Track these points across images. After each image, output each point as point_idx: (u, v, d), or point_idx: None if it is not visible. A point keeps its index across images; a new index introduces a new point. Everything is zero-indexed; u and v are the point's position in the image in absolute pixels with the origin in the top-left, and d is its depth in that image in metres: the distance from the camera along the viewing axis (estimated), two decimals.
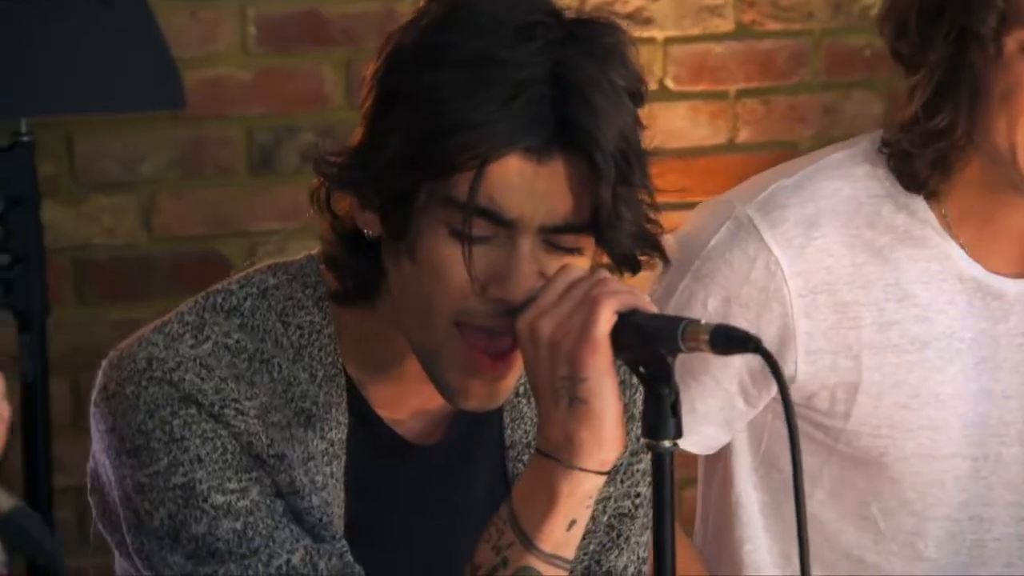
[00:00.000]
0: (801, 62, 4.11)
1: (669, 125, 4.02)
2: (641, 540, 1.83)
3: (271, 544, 1.64)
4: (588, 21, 1.61)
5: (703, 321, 1.44)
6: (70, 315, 3.64)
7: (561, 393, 1.48)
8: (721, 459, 2.14)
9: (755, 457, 2.11)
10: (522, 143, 1.48)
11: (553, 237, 1.52)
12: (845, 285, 1.97)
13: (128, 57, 3.41)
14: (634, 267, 1.62)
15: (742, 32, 4.16)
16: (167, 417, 1.62)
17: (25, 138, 3.46)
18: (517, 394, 1.73)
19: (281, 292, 1.69)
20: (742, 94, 4.11)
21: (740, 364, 1.96)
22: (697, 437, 1.98)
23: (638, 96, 1.58)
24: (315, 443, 1.67)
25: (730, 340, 1.44)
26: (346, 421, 1.67)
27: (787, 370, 1.92)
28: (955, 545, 2.01)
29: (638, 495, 1.81)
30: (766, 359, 1.40)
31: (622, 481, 1.80)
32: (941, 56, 1.85)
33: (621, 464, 1.75)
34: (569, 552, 1.57)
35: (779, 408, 1.79)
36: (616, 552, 1.83)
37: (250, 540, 1.65)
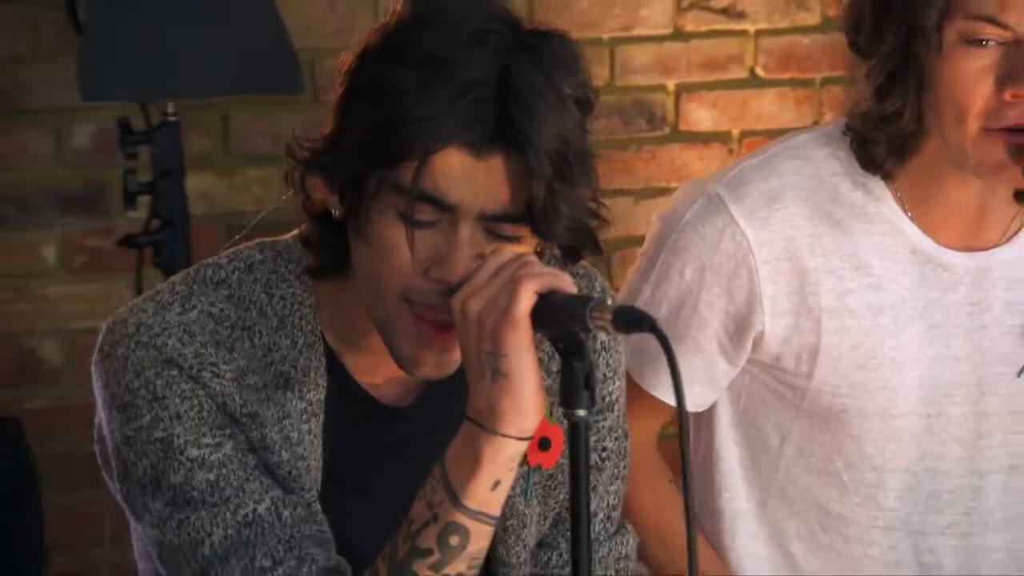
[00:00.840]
0: None
1: (759, 110, 4.18)
2: (610, 489, 1.87)
3: (240, 494, 1.68)
4: (540, 32, 1.62)
5: (609, 302, 1.45)
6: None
7: (485, 366, 1.50)
8: (704, 416, 2.15)
9: (734, 414, 2.13)
10: (463, 137, 1.52)
11: (492, 225, 1.54)
12: (806, 254, 1.98)
13: (253, 47, 3.55)
14: (575, 257, 1.68)
15: (827, 25, 4.24)
16: (151, 378, 1.66)
17: (172, 118, 3.60)
18: None
19: (266, 266, 1.71)
20: (826, 82, 4.21)
21: (718, 326, 2.01)
22: (687, 396, 1.86)
23: (585, 103, 1.60)
24: (293, 403, 1.70)
25: (629, 320, 1.47)
26: (324, 384, 1.69)
27: (756, 329, 2.00)
28: (913, 496, 2.03)
29: (604, 449, 1.85)
30: (659, 338, 1.44)
31: (596, 433, 1.83)
32: (891, 47, 1.86)
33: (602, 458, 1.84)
34: (494, 510, 1.60)
35: (755, 371, 2.06)
36: (600, 496, 1.88)
37: (221, 490, 1.68)
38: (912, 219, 1.92)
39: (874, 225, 1.95)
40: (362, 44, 1.59)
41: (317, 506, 1.68)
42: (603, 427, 1.82)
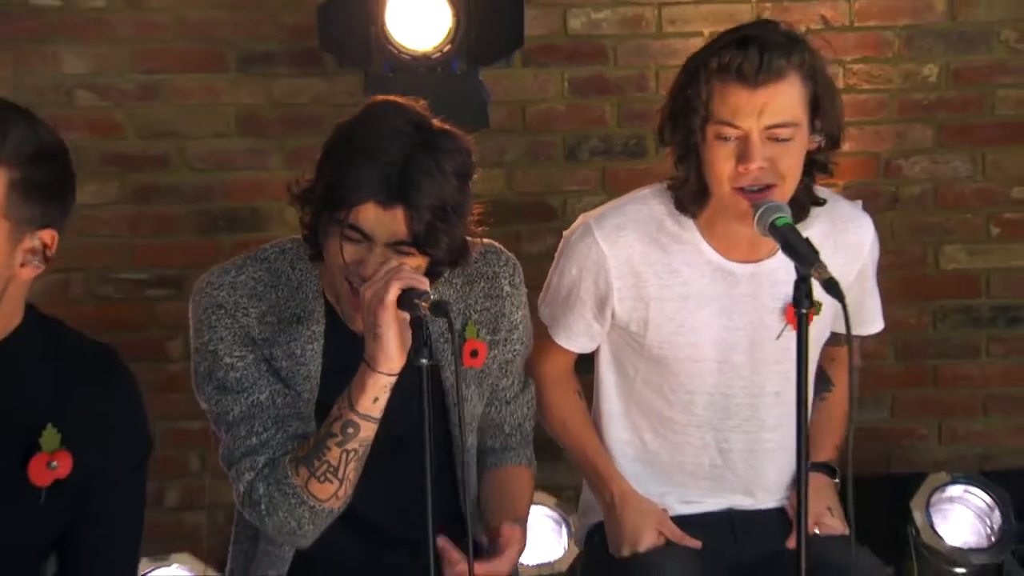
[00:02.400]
0: None
1: None
2: (520, 370, 2.57)
3: (252, 387, 2.33)
4: (439, 131, 2.23)
5: (432, 297, 2.06)
6: None
7: (369, 330, 2.11)
8: (593, 356, 2.73)
9: (609, 356, 2.70)
10: (376, 197, 2.12)
11: (395, 247, 2.15)
12: (639, 263, 2.54)
13: (461, 100, 3.74)
14: (455, 266, 2.31)
15: None
16: (207, 315, 2.32)
17: None
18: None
19: (291, 252, 2.36)
20: None
21: (591, 304, 2.60)
22: (576, 343, 2.66)
23: (464, 175, 2.23)
24: (302, 332, 2.35)
25: (436, 308, 2.03)
26: (324, 322, 2.35)
27: (611, 307, 2.58)
28: (713, 408, 2.57)
29: (515, 349, 2.51)
30: (441, 312, 2.03)
31: (503, 346, 2.51)
32: (679, 141, 2.41)
33: (501, 337, 2.50)
34: (376, 413, 2.18)
35: (617, 331, 2.64)
36: (505, 380, 2.53)
37: (241, 383, 2.32)
38: (710, 243, 2.47)
39: (685, 246, 2.52)
40: (334, 129, 2.29)
41: (307, 397, 2.33)
42: (513, 338, 2.50)
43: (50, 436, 2.07)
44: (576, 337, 2.66)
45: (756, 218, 2.24)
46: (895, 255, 4.24)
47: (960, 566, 3.65)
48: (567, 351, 2.68)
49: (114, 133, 4.18)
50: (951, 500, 3.82)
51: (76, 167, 4.09)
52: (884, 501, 3.96)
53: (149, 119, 4.22)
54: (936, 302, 4.26)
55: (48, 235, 2.06)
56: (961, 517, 3.76)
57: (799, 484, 2.11)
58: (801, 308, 2.07)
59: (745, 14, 4.06)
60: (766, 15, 4.08)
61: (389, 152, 2.15)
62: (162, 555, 3.64)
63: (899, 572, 3.91)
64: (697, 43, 3.81)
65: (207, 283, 2.36)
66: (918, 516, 3.75)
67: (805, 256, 2.07)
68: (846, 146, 3.93)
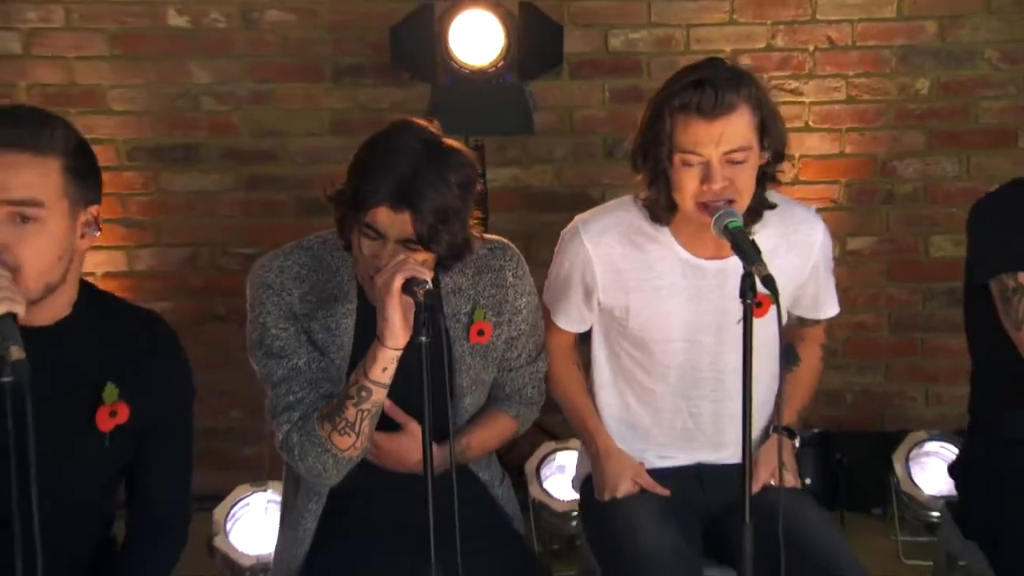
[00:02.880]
0: None
1: None
2: (527, 345, 2.61)
3: (292, 354, 2.45)
4: (444, 147, 2.33)
5: (428, 286, 2.15)
6: (512, 221, 4.33)
7: (379, 313, 2.21)
8: (588, 335, 2.80)
9: (600, 334, 2.78)
10: (388, 202, 2.23)
11: (404, 243, 2.24)
12: (619, 261, 2.63)
13: (511, 108, 3.91)
14: (458, 259, 2.37)
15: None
16: (258, 292, 2.43)
17: (472, 146, 3.83)
18: (442, 290, 2.51)
19: (331, 242, 2.45)
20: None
21: (581, 292, 2.71)
22: (571, 325, 2.74)
23: (467, 185, 2.33)
24: (338, 308, 2.45)
25: (428, 295, 2.12)
26: (356, 301, 2.43)
27: (596, 297, 2.67)
28: (684, 380, 2.64)
29: (520, 329, 2.56)
30: (432, 299, 2.12)
31: (507, 326, 2.57)
32: (650, 167, 2.50)
33: (505, 319, 2.56)
34: (385, 380, 2.31)
35: (604, 315, 2.71)
36: (511, 353, 2.58)
37: (283, 349, 2.45)
38: (681, 244, 2.55)
39: (660, 246, 2.60)
40: (361, 143, 2.37)
41: (340, 363, 2.44)
42: (517, 320, 2.56)
43: (110, 391, 2.20)
44: (570, 319, 2.77)
45: (712, 222, 2.36)
46: (891, 243, 4.42)
47: (934, 511, 3.73)
48: (566, 331, 2.81)
49: (231, 132, 4.39)
50: (928, 454, 3.92)
51: (201, 160, 4.43)
52: (876, 454, 4.11)
53: (259, 121, 4.40)
54: (925, 284, 4.36)
55: (95, 209, 2.19)
56: (937, 469, 3.84)
57: (744, 446, 2.21)
58: (746, 299, 2.16)
59: (761, 35, 4.24)
60: (779, 37, 4.24)
61: (400, 165, 2.27)
62: (260, 481, 3.78)
63: (885, 515, 3.99)
64: None
65: (260, 266, 2.51)
66: (899, 468, 3.89)
67: (749, 255, 2.19)
68: (848, 147, 4.20)
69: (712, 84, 2.38)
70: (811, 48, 4.22)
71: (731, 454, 2.68)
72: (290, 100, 4.40)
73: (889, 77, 4.18)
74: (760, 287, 2.32)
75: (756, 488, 2.51)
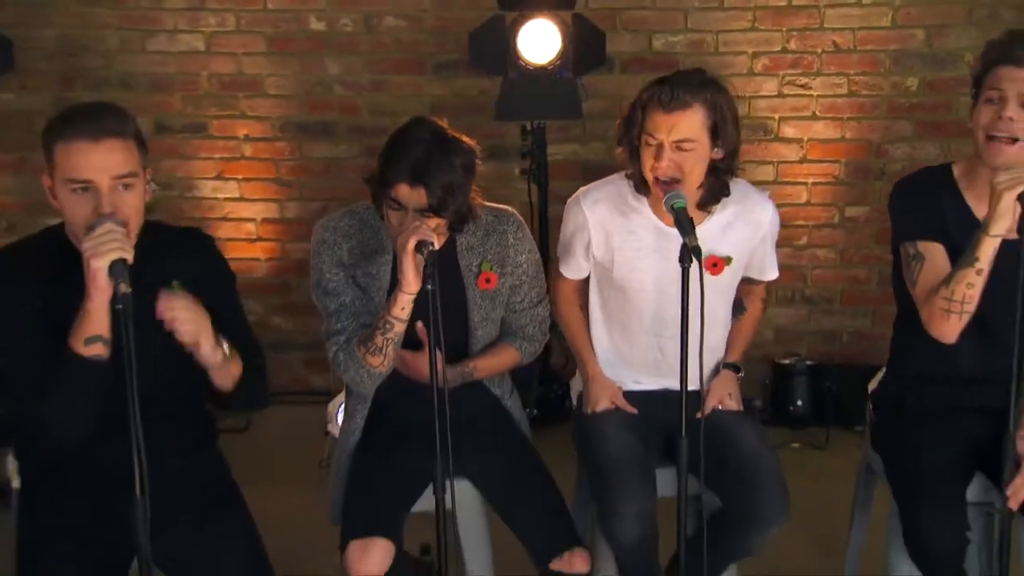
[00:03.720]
0: None
1: None
2: (531, 294, 2.67)
3: (341, 293, 2.56)
4: (450, 138, 2.41)
5: (432, 248, 2.21)
6: (572, 188, 4.31)
7: (399, 266, 2.31)
8: (587, 280, 2.82)
9: (595, 281, 2.80)
10: (406, 180, 2.34)
11: (421, 212, 2.33)
12: (607, 225, 2.66)
13: (564, 98, 3.97)
14: (464, 223, 2.46)
15: None
16: (317, 246, 2.55)
17: (534, 127, 4.15)
18: (455, 245, 2.57)
19: (375, 209, 2.48)
20: None
21: (580, 248, 2.73)
22: (574, 273, 2.78)
23: (469, 167, 2.41)
24: (377, 259, 2.54)
25: (430, 255, 2.20)
26: (391, 253, 2.49)
27: (591, 252, 2.69)
28: (655, 321, 2.68)
29: (521, 279, 2.63)
30: (432, 258, 2.19)
31: (510, 276, 2.63)
32: (628, 145, 2.56)
33: (508, 271, 2.61)
34: (404, 316, 2.38)
35: (597, 266, 2.73)
36: (515, 297, 2.65)
37: (335, 290, 2.55)
38: (655, 215, 2.60)
39: (639, 215, 2.65)
40: (389, 136, 2.48)
41: (378, 300, 2.52)
42: (520, 272, 2.64)
43: (176, 286, 2.27)
44: (572, 269, 2.81)
45: (664, 201, 2.38)
46: (881, 212, 4.12)
47: None
48: (569, 279, 2.86)
49: (356, 113, 4.57)
50: None
51: (333, 134, 4.70)
52: (860, 383, 3.85)
53: (377, 104, 4.56)
54: None
55: (150, 171, 2.33)
56: None
57: (680, 380, 2.26)
58: (683, 263, 2.19)
59: (777, 40, 4.31)
60: (792, 42, 4.30)
61: (416, 151, 2.39)
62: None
63: (864, 431, 3.94)
64: (742, 60, 4.23)
65: (320, 226, 2.62)
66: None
67: (686, 230, 2.22)
68: (848, 133, 4.34)
69: (672, 84, 2.45)
70: (819, 51, 4.28)
71: (690, 384, 2.70)
72: (400, 88, 4.55)
73: (884, 76, 4.24)
74: (720, 253, 2.59)
75: (707, 411, 2.68)
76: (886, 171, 4.31)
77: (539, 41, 3.84)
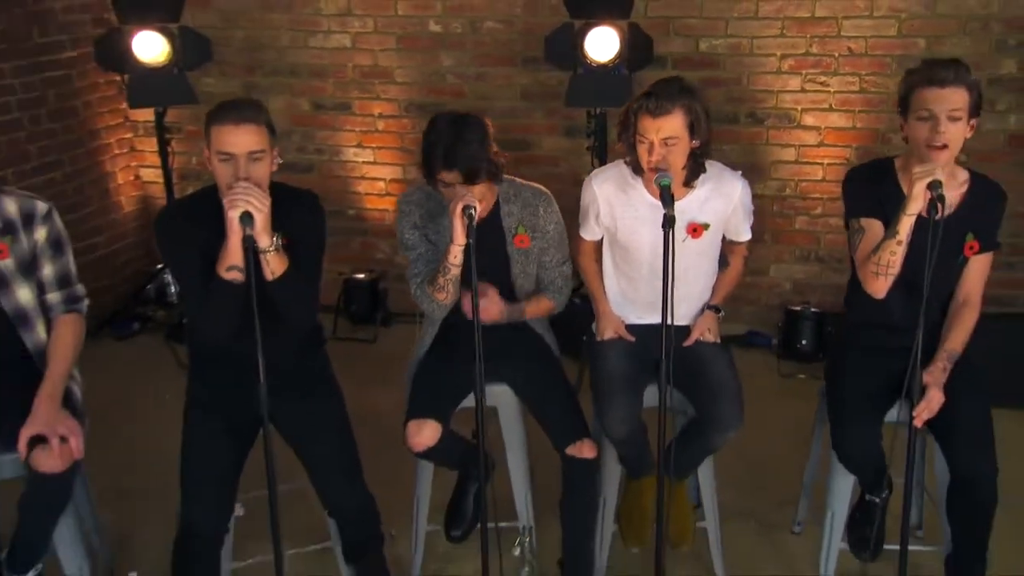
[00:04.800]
0: None
1: None
2: (556, 255, 2.72)
3: (416, 247, 2.66)
4: (462, 117, 2.47)
5: (472, 211, 2.29)
6: None
7: (451, 225, 2.38)
8: (600, 242, 2.86)
9: (607, 241, 2.84)
10: (443, 167, 2.43)
11: (462, 184, 2.42)
12: (613, 199, 2.71)
13: (618, 90, 3.84)
14: (497, 179, 2.52)
15: None
16: (398, 214, 2.66)
17: (597, 113, 4.10)
18: (499, 211, 2.65)
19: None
20: None
21: (593, 216, 2.77)
22: (590, 236, 2.82)
23: (483, 136, 2.46)
24: (443, 220, 2.60)
25: (470, 217, 2.30)
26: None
27: (600, 220, 2.73)
28: (651, 271, 2.66)
29: (547, 242, 2.69)
30: (471, 219, 2.29)
31: (540, 240, 2.69)
32: (626, 141, 2.58)
33: (538, 235, 2.66)
34: (457, 263, 2.46)
35: (606, 230, 2.76)
36: (545, 257, 2.70)
37: (412, 245, 2.65)
38: (648, 192, 2.62)
39: (637, 193, 2.68)
40: (424, 133, 2.51)
41: (443, 251, 2.52)
42: (547, 238, 2.69)
43: (279, 236, 2.35)
44: (589, 232, 2.85)
45: (654, 180, 2.45)
46: None
47: None
48: (587, 240, 2.88)
49: (462, 96, 4.65)
50: None
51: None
52: None
53: (478, 90, 4.66)
54: None
55: (278, 150, 2.42)
56: None
57: (663, 316, 2.31)
58: (665, 228, 2.24)
59: (801, 44, 4.22)
60: (814, 46, 4.20)
61: (444, 140, 2.48)
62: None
63: None
64: (772, 60, 4.22)
65: (400, 200, 2.74)
66: None
67: (667, 203, 2.29)
68: (859, 123, 4.33)
69: (657, 96, 2.49)
70: (836, 55, 4.23)
71: (681, 320, 2.76)
72: (496, 78, 4.63)
73: (890, 77, 4.14)
74: (700, 220, 2.66)
75: (690, 342, 2.79)
76: (889, 156, 4.18)
77: (601, 44, 3.87)
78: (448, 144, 2.46)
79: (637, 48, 3.92)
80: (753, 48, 4.31)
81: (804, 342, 4.31)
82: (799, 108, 4.35)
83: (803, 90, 4.31)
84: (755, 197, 3.86)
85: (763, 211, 4.43)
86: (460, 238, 2.42)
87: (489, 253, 2.47)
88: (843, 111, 4.29)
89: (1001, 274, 4.06)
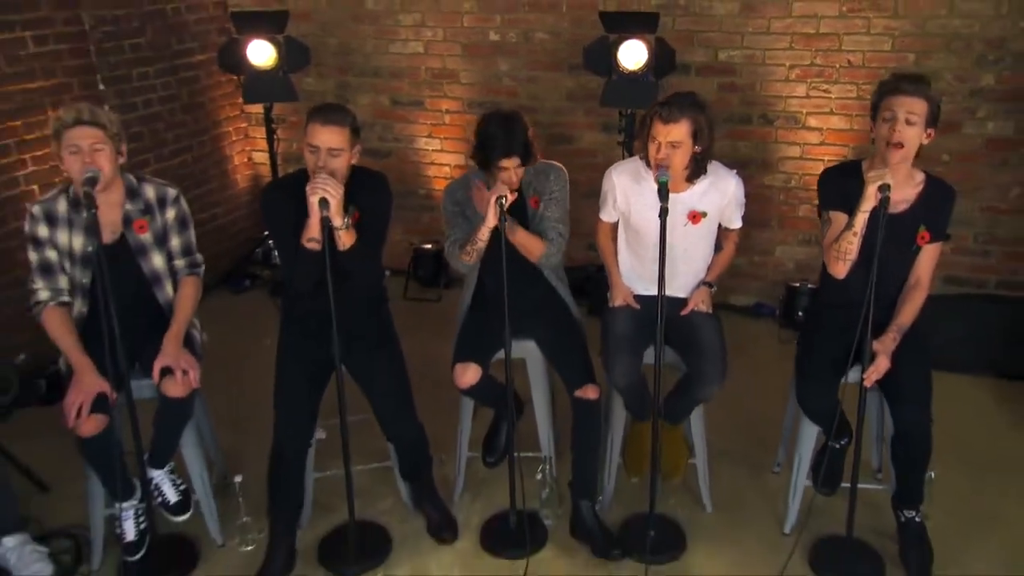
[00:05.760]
0: None
1: None
2: (556, 214, 2.71)
3: (453, 220, 2.74)
4: (509, 115, 2.53)
5: (503, 200, 2.37)
6: None
7: (485, 211, 2.47)
8: (616, 224, 2.90)
9: (622, 223, 2.87)
10: (501, 154, 2.51)
11: (520, 166, 2.53)
12: (628, 188, 2.75)
13: (646, 94, 3.80)
14: (534, 161, 2.55)
15: None
16: (443, 201, 2.73)
17: (627, 113, 4.04)
18: (523, 182, 2.68)
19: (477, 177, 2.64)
20: None
21: (611, 201, 2.80)
22: (608, 217, 2.85)
23: (524, 125, 2.52)
24: (482, 206, 2.60)
25: (501, 205, 2.39)
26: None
27: (616, 205, 2.76)
28: (656, 251, 2.50)
29: (552, 203, 2.71)
30: (501, 211, 2.37)
31: (548, 201, 2.71)
32: (642, 137, 2.58)
33: (545, 199, 2.67)
34: (485, 238, 2.52)
35: (621, 213, 2.77)
36: (548, 213, 2.70)
37: (450, 220, 2.72)
38: (656, 184, 2.49)
39: (647, 183, 2.71)
40: (477, 122, 2.58)
41: (475, 224, 2.62)
42: (551, 200, 2.73)
43: (351, 209, 2.44)
44: (607, 215, 2.89)
45: (655, 177, 2.48)
46: None
47: None
48: (605, 221, 2.91)
49: (516, 96, 4.66)
50: None
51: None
52: None
53: (530, 91, 4.66)
54: None
55: (359, 146, 2.49)
56: None
57: (658, 289, 2.38)
58: (661, 216, 2.32)
59: (807, 56, 4.13)
60: (818, 58, 4.12)
61: (499, 134, 2.58)
62: None
63: None
64: (782, 70, 4.15)
65: (446, 189, 2.79)
66: None
67: (663, 197, 2.35)
68: (855, 125, 4.22)
69: (670, 105, 2.55)
70: (837, 66, 4.15)
71: (680, 292, 2.89)
72: (545, 82, 4.61)
73: None
74: (699, 209, 2.68)
75: (686, 311, 2.82)
76: (858, 159, 3.93)
77: (632, 55, 3.88)
78: (504, 138, 2.55)
79: (662, 58, 3.93)
80: (765, 59, 4.27)
81: (800, 313, 4.28)
82: (804, 111, 4.30)
83: (808, 96, 4.26)
84: (764, 187, 4.12)
85: (771, 200, 4.45)
86: (491, 221, 2.52)
87: (512, 210, 2.56)
88: (842, 115, 4.24)
89: (976, 260, 4.15)
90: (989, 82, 3.95)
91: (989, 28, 3.88)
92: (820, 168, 4.22)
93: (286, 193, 2.54)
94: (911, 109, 2.44)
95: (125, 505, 2.58)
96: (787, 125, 4.32)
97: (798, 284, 4.36)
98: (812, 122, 4.29)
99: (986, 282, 4.19)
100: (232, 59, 4.39)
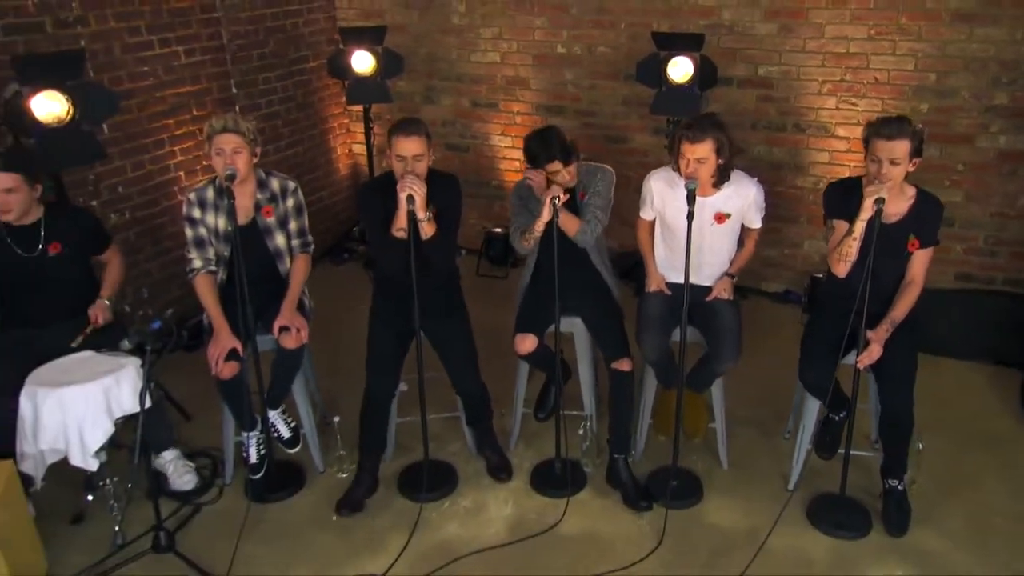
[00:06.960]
0: None
1: None
2: (598, 204, 2.75)
3: (517, 211, 2.75)
4: (548, 128, 2.57)
5: (557, 200, 2.42)
6: None
7: (541, 211, 2.52)
8: (653, 222, 2.93)
9: (658, 221, 2.92)
10: (547, 159, 2.59)
11: (564, 167, 2.58)
12: (663, 191, 2.80)
13: (690, 104, 3.83)
14: (576, 160, 2.58)
15: None
16: (513, 193, 2.76)
17: (674, 120, 4.04)
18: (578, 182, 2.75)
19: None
20: None
21: (649, 201, 2.85)
22: (647, 215, 2.89)
23: (562, 139, 2.61)
24: (535, 198, 2.66)
25: (555, 206, 2.44)
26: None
27: (653, 206, 2.81)
28: (683, 244, 2.58)
29: (595, 195, 2.75)
30: (555, 208, 2.43)
31: (592, 195, 2.77)
32: (673, 152, 2.64)
33: (590, 193, 2.71)
34: (540, 227, 2.52)
35: (657, 213, 2.81)
36: (592, 202, 2.71)
37: (515, 211, 2.74)
38: (686, 188, 2.55)
39: (679, 188, 2.74)
40: (526, 137, 2.63)
41: (536, 215, 2.62)
42: (596, 194, 2.76)
43: (432, 207, 2.51)
44: (646, 213, 2.92)
45: (684, 185, 2.55)
46: None
47: None
48: (644, 219, 2.95)
49: (579, 101, 4.65)
50: None
51: (566, 114, 4.56)
52: None
53: (591, 97, 4.61)
54: None
55: (433, 151, 2.55)
56: None
57: (684, 278, 2.48)
58: (688, 218, 2.42)
59: (838, 73, 4.09)
60: (848, 75, 4.08)
61: (540, 148, 2.68)
62: None
63: None
64: (815, 84, 4.18)
65: (515, 185, 2.87)
66: None
67: (691, 201, 2.45)
68: None
69: (693, 127, 2.61)
70: (864, 82, 4.11)
71: (707, 280, 2.93)
72: (604, 89, 4.64)
73: (906, 101, 4.03)
74: (724, 211, 2.73)
75: (711, 298, 2.87)
76: (858, 175, 3.71)
77: (679, 70, 3.91)
78: (543, 149, 2.71)
79: (706, 73, 3.97)
80: (800, 75, 4.24)
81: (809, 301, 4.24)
82: (833, 122, 4.26)
83: (837, 108, 4.22)
84: (795, 188, 4.13)
85: (801, 199, 4.44)
86: (546, 216, 2.64)
87: (567, 204, 2.68)
88: None
89: (984, 259, 4.14)
90: (1003, 100, 3.91)
91: (1004, 52, 3.84)
92: (846, 172, 4.30)
93: (378, 192, 2.67)
94: (894, 154, 2.48)
95: (250, 434, 2.81)
96: (818, 133, 4.30)
97: (821, 275, 4.25)
98: (840, 131, 4.27)
99: (994, 279, 4.16)
100: (339, 66, 4.58)
